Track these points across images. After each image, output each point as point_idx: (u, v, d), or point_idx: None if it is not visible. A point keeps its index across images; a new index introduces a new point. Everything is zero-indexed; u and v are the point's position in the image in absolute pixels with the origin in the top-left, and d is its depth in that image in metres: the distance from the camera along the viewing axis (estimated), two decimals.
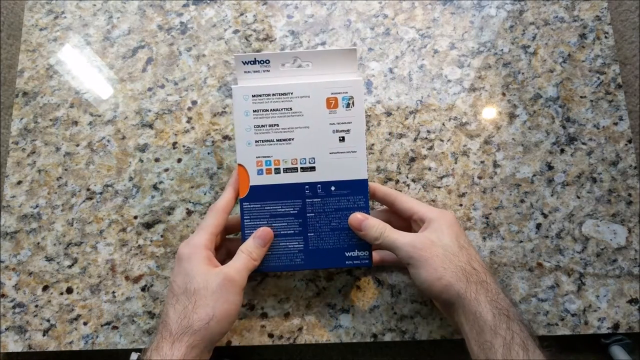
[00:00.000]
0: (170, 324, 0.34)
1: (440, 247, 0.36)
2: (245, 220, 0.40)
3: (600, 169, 0.47)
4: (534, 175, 0.47)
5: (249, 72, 0.40)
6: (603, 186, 0.46)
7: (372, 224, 0.38)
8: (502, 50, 0.50)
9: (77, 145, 0.50)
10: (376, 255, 0.42)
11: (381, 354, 0.48)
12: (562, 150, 0.47)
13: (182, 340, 0.33)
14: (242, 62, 0.40)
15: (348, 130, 0.40)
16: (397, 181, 0.47)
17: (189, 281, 0.35)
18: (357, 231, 0.39)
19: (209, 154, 0.49)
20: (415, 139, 0.48)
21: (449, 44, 0.51)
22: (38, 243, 0.47)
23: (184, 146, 0.49)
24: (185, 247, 0.37)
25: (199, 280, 0.35)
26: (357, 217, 0.39)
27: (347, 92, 0.39)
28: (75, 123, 0.50)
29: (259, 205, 0.40)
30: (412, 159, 0.48)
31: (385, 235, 0.37)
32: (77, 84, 0.52)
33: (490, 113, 0.49)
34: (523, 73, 0.49)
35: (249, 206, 0.40)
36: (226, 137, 0.49)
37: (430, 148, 0.48)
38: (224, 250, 0.42)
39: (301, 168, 0.40)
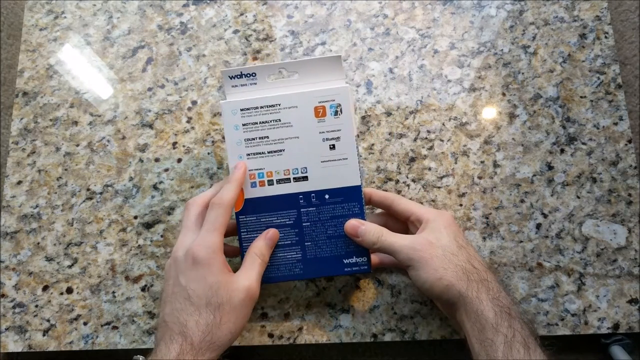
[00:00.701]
0: (191, 335, 0.32)
1: (439, 248, 0.36)
2: (242, 234, 0.39)
3: (600, 169, 0.47)
4: (534, 175, 0.47)
5: (236, 86, 0.40)
6: (603, 186, 0.46)
7: (368, 229, 0.38)
8: (502, 50, 0.50)
9: (77, 145, 0.50)
10: (375, 257, 0.42)
11: (381, 354, 0.48)
12: (562, 150, 0.47)
13: (205, 354, 0.32)
14: (229, 76, 0.40)
15: (338, 138, 0.39)
16: (397, 181, 0.47)
17: (213, 295, 0.34)
18: (354, 237, 0.38)
19: (209, 154, 0.49)
20: (415, 139, 0.48)
21: (449, 44, 0.51)
22: (38, 243, 0.47)
23: (184, 146, 0.49)
24: (202, 248, 0.35)
25: (222, 294, 0.34)
26: (352, 223, 0.39)
27: (334, 100, 0.39)
28: (75, 123, 0.50)
29: (255, 218, 0.40)
30: (412, 159, 0.48)
31: (383, 239, 0.37)
32: (77, 84, 0.52)
33: (490, 113, 0.49)
34: (523, 73, 0.49)
35: (245, 219, 0.40)
36: None
37: (430, 148, 0.48)
38: None
39: (294, 178, 0.40)
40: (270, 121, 0.39)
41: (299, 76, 0.40)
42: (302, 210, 0.40)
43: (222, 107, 0.40)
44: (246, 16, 0.53)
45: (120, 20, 0.53)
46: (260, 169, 0.40)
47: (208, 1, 0.53)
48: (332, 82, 0.40)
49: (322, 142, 0.39)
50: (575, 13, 0.51)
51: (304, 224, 0.40)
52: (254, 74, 0.40)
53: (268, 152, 0.40)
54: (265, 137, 0.40)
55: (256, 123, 0.40)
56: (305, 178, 0.40)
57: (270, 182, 0.40)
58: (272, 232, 0.39)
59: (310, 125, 0.39)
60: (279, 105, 0.39)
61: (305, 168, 0.40)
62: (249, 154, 0.40)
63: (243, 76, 0.40)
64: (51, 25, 0.54)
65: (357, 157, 0.40)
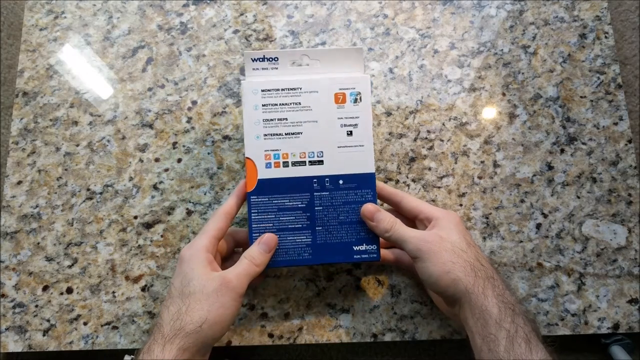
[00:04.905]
0: (163, 325, 0.33)
1: (449, 243, 0.36)
2: (252, 214, 0.39)
3: (600, 169, 0.47)
4: (534, 175, 0.47)
5: (257, 69, 0.40)
6: (603, 186, 0.46)
7: (384, 217, 0.38)
8: (502, 50, 0.50)
9: (77, 145, 0.50)
10: (390, 254, 0.42)
11: (381, 354, 0.48)
12: (562, 150, 0.47)
13: (173, 342, 0.32)
14: (252, 59, 0.40)
15: (356, 125, 0.40)
16: (397, 181, 0.47)
17: (187, 284, 0.35)
18: (369, 221, 0.39)
19: (209, 154, 0.49)
20: (415, 139, 0.48)
21: (449, 44, 0.51)
22: (38, 243, 0.47)
23: (184, 146, 0.49)
24: (187, 249, 0.37)
25: (195, 283, 0.35)
26: (369, 208, 0.39)
27: (354, 88, 0.40)
28: (75, 123, 0.50)
29: (267, 199, 0.39)
30: (412, 159, 0.48)
31: (396, 228, 0.37)
32: (77, 84, 0.52)
33: (490, 113, 0.49)
34: (523, 73, 0.49)
35: (257, 200, 0.39)
36: (226, 137, 0.49)
37: (430, 148, 0.48)
38: (230, 262, 0.41)
39: (309, 162, 0.40)
40: (290, 104, 0.40)
41: (320, 64, 0.41)
42: (315, 194, 0.40)
43: (243, 87, 0.40)
44: (246, 16, 0.53)
45: (120, 20, 0.53)
46: (276, 150, 0.40)
47: (208, 1, 0.53)
48: (351, 73, 0.41)
49: (340, 128, 0.40)
50: (575, 13, 0.51)
51: (316, 208, 0.40)
52: (276, 59, 0.40)
53: (285, 134, 0.40)
54: (284, 119, 0.40)
55: (276, 104, 0.40)
56: (320, 162, 0.40)
57: (286, 164, 0.40)
58: (266, 237, 0.39)
59: (330, 110, 0.40)
60: (300, 89, 0.40)
61: (322, 152, 0.40)
62: (266, 135, 0.40)
63: (265, 59, 0.40)
64: (51, 25, 0.54)
65: (373, 145, 0.40)
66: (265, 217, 0.39)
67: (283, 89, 0.40)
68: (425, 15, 0.52)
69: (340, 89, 0.40)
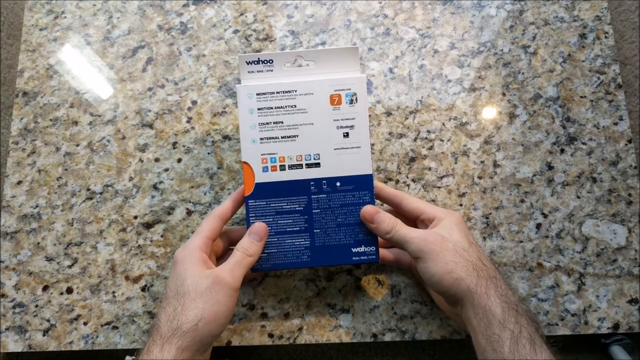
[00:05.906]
0: (160, 326, 0.34)
1: (450, 242, 0.36)
2: (250, 218, 0.39)
3: (600, 169, 0.47)
4: (534, 175, 0.47)
5: (252, 72, 0.40)
6: (603, 186, 0.46)
7: (384, 218, 0.38)
8: (502, 50, 0.50)
9: (77, 145, 0.50)
10: (389, 254, 0.42)
11: (381, 354, 0.48)
12: (562, 150, 0.47)
13: (171, 342, 0.33)
14: (246, 62, 0.40)
15: (352, 126, 0.40)
16: (397, 181, 0.47)
17: (181, 284, 0.35)
18: (369, 224, 0.39)
19: (209, 154, 0.49)
20: (415, 139, 0.48)
21: (449, 44, 0.51)
22: (38, 243, 0.47)
23: (184, 146, 0.49)
24: (181, 251, 0.37)
25: (189, 282, 0.35)
26: (369, 210, 0.39)
27: (350, 89, 0.40)
28: (75, 123, 0.50)
29: (264, 203, 0.40)
30: (412, 159, 0.48)
31: (397, 228, 0.37)
32: (77, 84, 0.52)
33: (490, 113, 0.49)
34: (523, 73, 0.49)
35: (254, 204, 0.40)
36: (226, 137, 0.49)
37: (430, 148, 0.48)
38: (225, 260, 0.41)
39: (306, 164, 0.40)
40: (286, 106, 0.40)
41: (316, 65, 0.40)
42: (312, 196, 0.40)
43: (238, 91, 0.40)
44: (246, 16, 0.53)
45: (120, 20, 0.53)
46: (273, 154, 0.40)
47: (208, 1, 0.53)
48: (347, 73, 0.41)
49: (336, 130, 0.40)
50: (575, 13, 0.51)
51: (313, 211, 0.40)
52: (271, 61, 0.40)
53: (282, 137, 0.40)
54: (279, 122, 0.40)
55: (271, 108, 0.40)
56: (317, 164, 0.40)
57: (282, 167, 0.40)
58: (256, 226, 0.39)
59: (326, 112, 0.40)
60: (295, 91, 0.40)
61: (318, 154, 0.40)
62: (262, 138, 0.40)
63: (260, 62, 0.40)
64: (51, 25, 0.54)
65: (369, 146, 0.40)
66: (264, 220, 0.39)
67: (278, 92, 0.40)
68: (425, 15, 0.52)
69: (336, 90, 0.40)
